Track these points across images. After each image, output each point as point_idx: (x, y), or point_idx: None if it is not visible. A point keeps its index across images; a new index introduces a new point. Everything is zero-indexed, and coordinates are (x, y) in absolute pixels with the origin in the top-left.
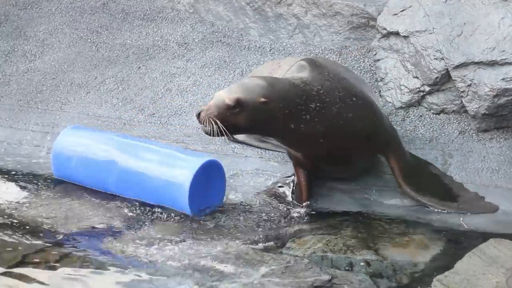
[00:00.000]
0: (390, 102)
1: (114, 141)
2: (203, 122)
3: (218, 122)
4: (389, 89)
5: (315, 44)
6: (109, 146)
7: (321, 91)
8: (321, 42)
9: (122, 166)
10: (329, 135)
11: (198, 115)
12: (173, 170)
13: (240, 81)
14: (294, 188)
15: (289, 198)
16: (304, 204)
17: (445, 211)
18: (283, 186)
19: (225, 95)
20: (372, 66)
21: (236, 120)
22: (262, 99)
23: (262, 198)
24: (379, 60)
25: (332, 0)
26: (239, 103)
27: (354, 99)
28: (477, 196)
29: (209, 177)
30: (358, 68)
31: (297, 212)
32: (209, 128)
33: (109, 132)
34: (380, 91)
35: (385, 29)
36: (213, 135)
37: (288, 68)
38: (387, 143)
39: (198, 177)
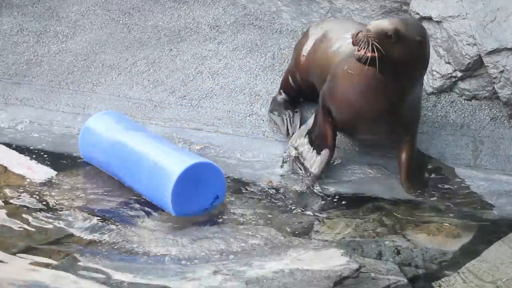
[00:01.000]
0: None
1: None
2: (360, 42)
3: (376, 44)
4: None
5: None
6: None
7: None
8: None
9: (124, 160)
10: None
11: (356, 35)
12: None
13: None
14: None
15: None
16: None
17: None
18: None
19: (386, 23)
20: None
21: (390, 50)
22: (419, 38)
23: (288, 181)
24: None
25: None
26: (397, 34)
27: None
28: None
29: (200, 179)
30: None
31: (323, 192)
32: (362, 53)
33: (131, 125)
34: None
35: (418, 13)
36: (362, 62)
37: None
38: (408, 129)
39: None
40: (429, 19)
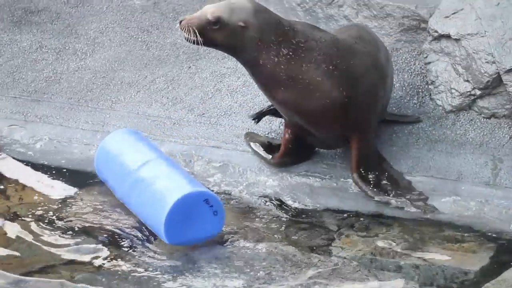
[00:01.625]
0: (440, 106)
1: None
2: (183, 28)
3: (196, 32)
4: (439, 92)
5: None
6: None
7: (301, 45)
8: None
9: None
10: (290, 87)
11: (180, 22)
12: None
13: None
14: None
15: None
16: (273, 159)
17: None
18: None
19: (210, 10)
20: (422, 69)
21: (213, 36)
22: (241, 24)
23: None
24: (430, 63)
25: (384, 2)
26: (219, 21)
27: (331, 67)
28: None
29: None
30: (409, 71)
31: (342, 208)
32: (187, 36)
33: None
34: (430, 94)
35: (436, 31)
36: (190, 42)
37: None
38: (355, 125)
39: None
40: (448, 37)
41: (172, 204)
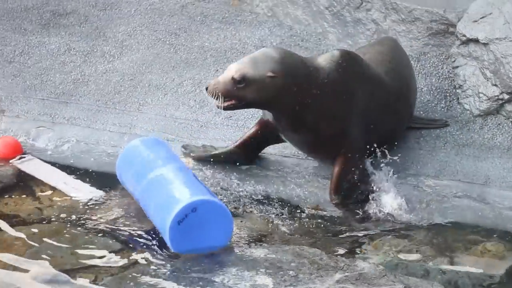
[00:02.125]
0: (468, 110)
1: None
2: (211, 95)
3: (224, 98)
4: (467, 97)
5: None
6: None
7: (325, 80)
8: None
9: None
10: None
11: (207, 88)
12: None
13: (253, 53)
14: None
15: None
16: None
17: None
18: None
19: (234, 69)
20: (450, 73)
21: (244, 95)
22: (270, 74)
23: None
24: (457, 67)
25: (412, 6)
26: (245, 79)
27: (344, 97)
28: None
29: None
30: (437, 75)
31: (368, 212)
32: (218, 103)
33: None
34: (458, 98)
35: (464, 36)
36: (224, 109)
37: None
38: (345, 143)
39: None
40: (476, 41)
41: (174, 215)
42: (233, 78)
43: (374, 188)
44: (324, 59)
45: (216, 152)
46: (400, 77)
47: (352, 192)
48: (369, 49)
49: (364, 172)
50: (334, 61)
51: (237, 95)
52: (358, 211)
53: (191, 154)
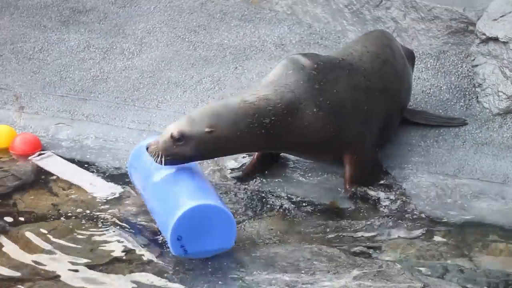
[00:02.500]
0: (487, 108)
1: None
2: (152, 154)
3: (164, 157)
4: (486, 95)
5: (413, 48)
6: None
7: (279, 105)
8: (419, 46)
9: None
10: (286, 143)
11: (147, 148)
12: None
13: (190, 112)
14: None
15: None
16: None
17: None
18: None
19: (172, 128)
20: (470, 72)
21: (185, 151)
22: (207, 129)
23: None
24: (477, 65)
25: (431, 4)
26: (183, 136)
27: (314, 110)
28: None
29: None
30: (456, 74)
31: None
32: (158, 160)
33: None
34: (477, 96)
35: (484, 34)
36: (165, 165)
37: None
38: (346, 144)
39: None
40: (496, 39)
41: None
42: (172, 136)
43: (390, 184)
44: (267, 85)
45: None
46: (389, 71)
47: (367, 188)
48: (354, 44)
49: (378, 167)
50: (279, 77)
51: (178, 152)
52: (375, 207)
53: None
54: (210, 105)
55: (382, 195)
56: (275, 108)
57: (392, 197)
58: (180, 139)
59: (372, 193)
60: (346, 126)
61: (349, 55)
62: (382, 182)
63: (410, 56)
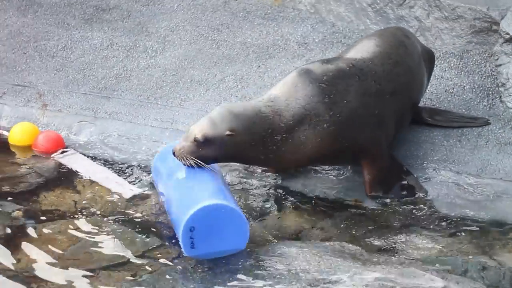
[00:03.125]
0: (510, 108)
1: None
2: (180, 159)
3: (192, 158)
4: (510, 95)
5: (436, 47)
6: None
7: (291, 122)
8: (442, 46)
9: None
10: (298, 159)
11: (173, 153)
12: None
13: (209, 113)
14: None
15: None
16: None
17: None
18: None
19: (195, 131)
20: (493, 71)
21: (208, 153)
22: (228, 132)
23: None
24: (500, 65)
25: (455, 3)
26: (206, 139)
27: (325, 125)
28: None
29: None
30: (479, 73)
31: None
32: (187, 163)
33: None
34: (501, 96)
35: (508, 33)
36: (196, 167)
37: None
38: (363, 151)
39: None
40: None
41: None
42: (195, 140)
43: (412, 185)
44: (278, 97)
45: None
46: (401, 72)
47: (390, 188)
48: (367, 42)
49: (397, 168)
50: (289, 89)
51: (202, 154)
52: (397, 207)
53: None
54: (229, 107)
55: (403, 196)
56: (287, 125)
57: (413, 198)
58: (203, 142)
59: (393, 195)
60: (359, 134)
61: (360, 59)
62: (404, 182)
63: (429, 56)
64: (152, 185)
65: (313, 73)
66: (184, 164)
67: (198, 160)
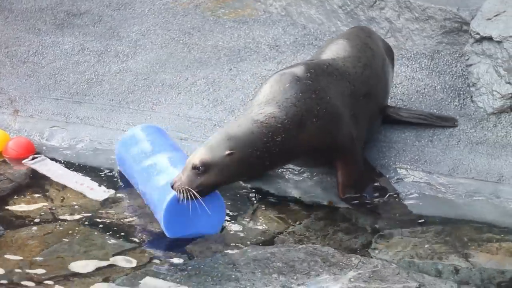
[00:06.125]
0: (481, 108)
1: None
2: (178, 192)
3: (191, 190)
4: (481, 95)
5: (407, 48)
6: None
7: (286, 121)
8: (413, 46)
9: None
10: (294, 157)
11: (172, 186)
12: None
13: (206, 141)
14: None
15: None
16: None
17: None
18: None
19: (192, 160)
20: (464, 71)
21: (209, 180)
22: (227, 152)
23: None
24: (471, 65)
25: (425, 4)
26: (205, 164)
27: (314, 120)
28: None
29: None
30: (450, 73)
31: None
32: (186, 196)
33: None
34: (472, 96)
35: (478, 34)
36: (194, 199)
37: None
38: (339, 150)
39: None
40: (490, 39)
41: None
42: (194, 167)
43: (384, 186)
44: (268, 102)
45: None
46: (370, 74)
47: (362, 190)
48: (335, 47)
49: (370, 169)
50: (277, 92)
51: (202, 182)
52: (370, 208)
53: None
54: (223, 130)
55: (376, 197)
56: (283, 124)
57: (386, 199)
58: (203, 168)
59: (366, 196)
60: (339, 131)
61: (334, 59)
62: (376, 184)
63: (390, 52)
64: (124, 189)
65: (297, 73)
66: (185, 199)
67: (198, 192)
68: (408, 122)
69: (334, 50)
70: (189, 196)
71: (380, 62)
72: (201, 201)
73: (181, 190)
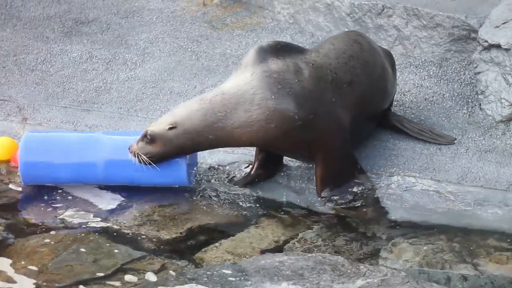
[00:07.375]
0: (490, 116)
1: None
2: (133, 155)
3: (141, 155)
4: (489, 102)
5: (415, 55)
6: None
7: (235, 96)
8: (421, 54)
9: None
10: (249, 138)
11: (129, 149)
12: None
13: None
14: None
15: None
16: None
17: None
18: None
19: (146, 129)
20: (472, 79)
21: (156, 150)
22: (168, 126)
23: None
24: (479, 72)
25: (433, 12)
26: (151, 135)
27: (273, 96)
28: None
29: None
30: (459, 81)
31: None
32: (138, 160)
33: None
34: (480, 104)
35: (486, 41)
36: (147, 164)
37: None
38: (317, 139)
39: None
40: (498, 46)
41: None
42: (144, 136)
43: (365, 184)
44: (227, 81)
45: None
46: (357, 65)
47: (340, 190)
48: (322, 44)
49: (353, 165)
50: (238, 69)
51: (151, 151)
52: (348, 208)
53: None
54: (178, 105)
55: (352, 200)
56: (229, 100)
57: (364, 201)
58: (150, 138)
59: (348, 196)
60: (314, 116)
61: (315, 52)
62: (356, 180)
63: (389, 57)
64: (132, 196)
65: (265, 52)
66: (137, 162)
67: (146, 158)
68: (407, 134)
69: (320, 48)
70: (141, 161)
71: (372, 58)
72: (155, 166)
73: (135, 154)
